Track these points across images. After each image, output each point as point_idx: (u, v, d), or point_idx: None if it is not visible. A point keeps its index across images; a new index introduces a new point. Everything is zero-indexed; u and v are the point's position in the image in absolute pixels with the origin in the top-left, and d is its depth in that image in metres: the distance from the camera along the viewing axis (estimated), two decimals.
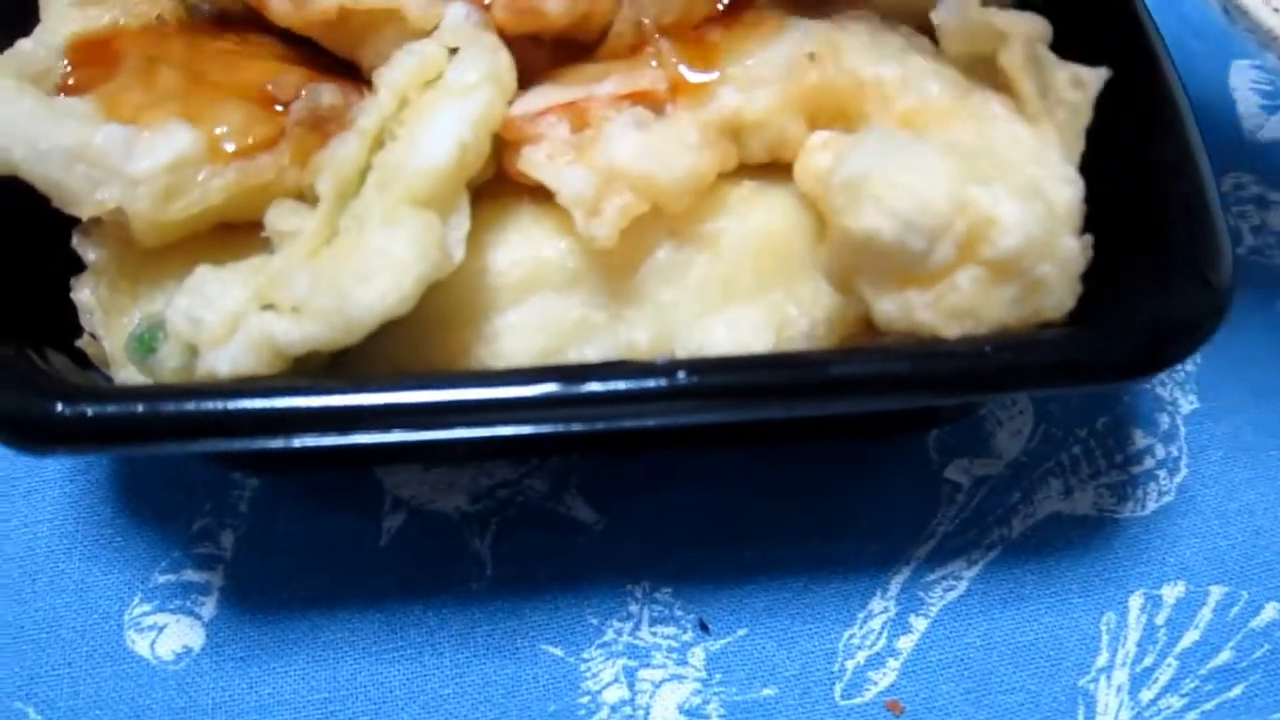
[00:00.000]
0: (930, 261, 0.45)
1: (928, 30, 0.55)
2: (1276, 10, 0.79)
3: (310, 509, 0.61)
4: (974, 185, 0.45)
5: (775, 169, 0.54)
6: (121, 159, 0.48)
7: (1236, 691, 0.56)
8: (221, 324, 0.46)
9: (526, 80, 0.55)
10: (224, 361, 0.45)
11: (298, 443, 0.44)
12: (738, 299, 0.52)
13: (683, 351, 0.51)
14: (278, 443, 0.44)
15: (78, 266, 0.52)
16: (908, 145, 0.45)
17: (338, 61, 0.59)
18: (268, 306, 0.46)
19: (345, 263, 0.45)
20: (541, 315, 0.51)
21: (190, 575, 0.59)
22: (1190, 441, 0.63)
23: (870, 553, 0.59)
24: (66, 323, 0.52)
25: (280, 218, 0.48)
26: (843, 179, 0.45)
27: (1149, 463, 0.63)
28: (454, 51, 0.52)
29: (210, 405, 0.43)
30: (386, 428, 0.44)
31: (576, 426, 0.45)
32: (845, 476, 0.61)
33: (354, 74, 0.58)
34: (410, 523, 0.60)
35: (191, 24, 0.60)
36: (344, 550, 0.60)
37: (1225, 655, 0.57)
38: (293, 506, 0.61)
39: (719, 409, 0.46)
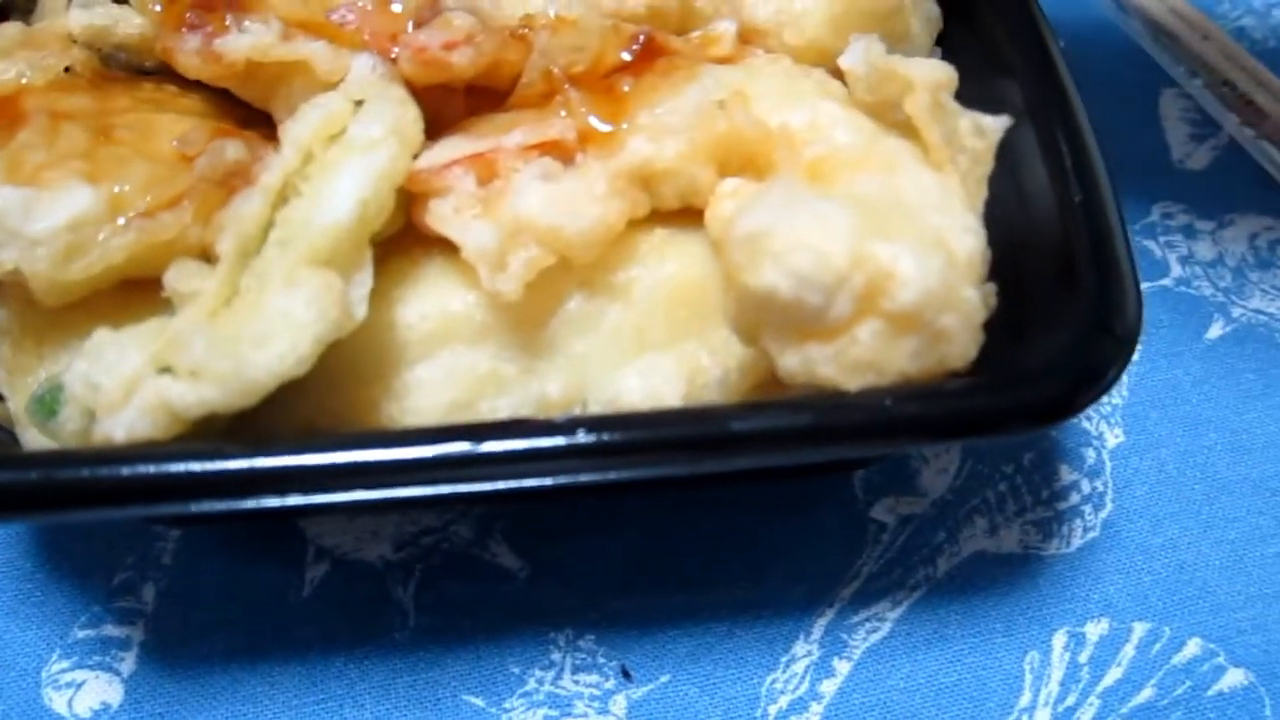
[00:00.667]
0: (829, 316, 0.45)
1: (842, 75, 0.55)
2: (1206, 38, 0.80)
3: (233, 560, 0.60)
4: (874, 239, 0.45)
5: (687, 215, 0.54)
6: (19, 220, 0.48)
7: None
8: (118, 389, 0.45)
9: (441, 131, 0.55)
10: (119, 427, 0.45)
11: (192, 509, 0.43)
12: (650, 348, 0.52)
13: (596, 403, 0.52)
14: (169, 509, 0.43)
15: None
16: (808, 201, 0.45)
17: (257, 113, 0.59)
18: (165, 370, 0.45)
19: (243, 325, 0.45)
20: (451, 369, 0.51)
21: (110, 630, 0.59)
22: (1115, 476, 0.63)
23: (795, 595, 0.59)
24: None
25: (180, 278, 0.47)
26: (742, 235, 0.45)
27: (1074, 498, 0.63)
28: (359, 104, 0.52)
29: (100, 472, 0.42)
30: (279, 493, 0.43)
31: (475, 488, 0.45)
32: (771, 519, 0.61)
33: (271, 126, 0.58)
34: (333, 573, 0.60)
35: (106, 75, 0.60)
36: (266, 602, 0.59)
37: (1147, 693, 0.57)
38: (215, 558, 0.60)
39: (620, 467, 0.45)
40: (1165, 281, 0.71)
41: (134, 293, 0.52)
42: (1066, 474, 0.64)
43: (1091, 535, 0.62)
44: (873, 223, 0.46)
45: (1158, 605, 0.59)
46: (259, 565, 0.60)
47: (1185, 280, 0.71)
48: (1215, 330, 0.69)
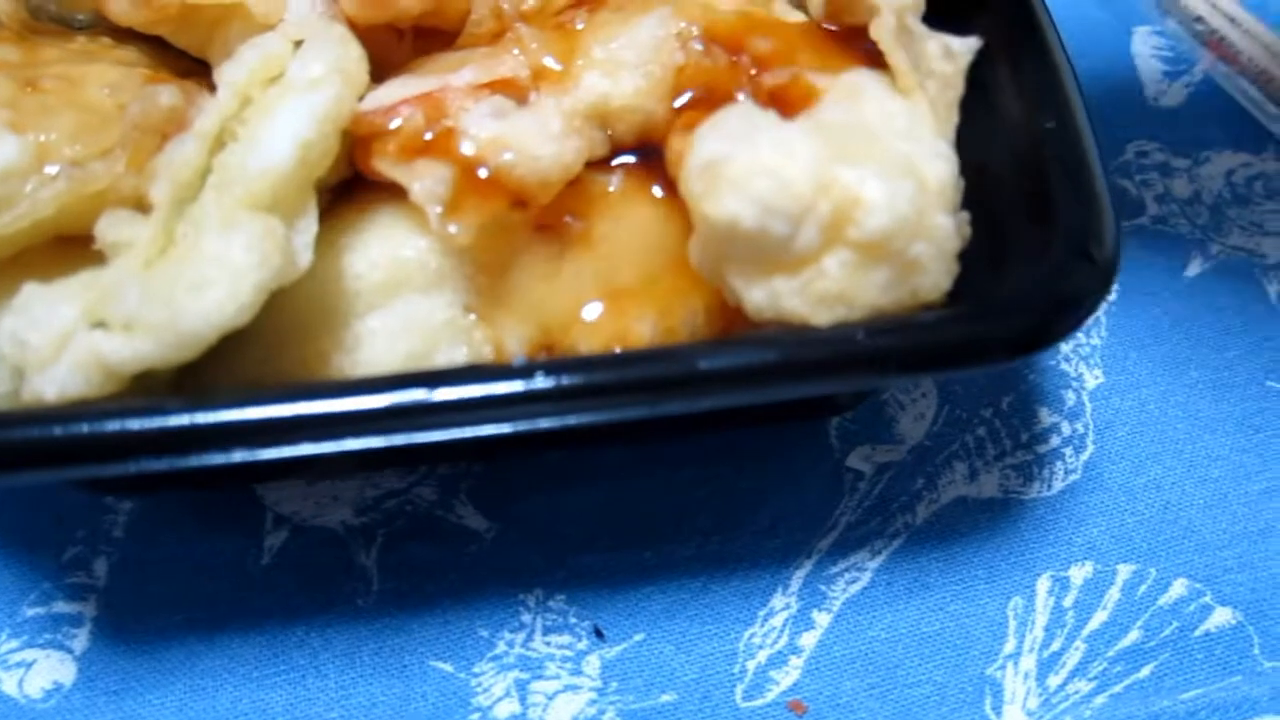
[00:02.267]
0: (795, 247, 0.43)
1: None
2: None
3: (189, 531, 0.58)
4: (839, 165, 0.43)
5: (645, 153, 0.52)
6: None
7: (1145, 672, 0.55)
8: (49, 345, 0.43)
9: (385, 74, 0.52)
10: (50, 384, 0.42)
11: (131, 469, 0.41)
12: (614, 294, 0.50)
13: (558, 352, 0.49)
14: (106, 469, 0.41)
15: None
16: (768, 126, 0.43)
17: (194, 65, 0.56)
18: (98, 324, 0.43)
19: (179, 273, 0.43)
20: (405, 319, 0.49)
21: (61, 607, 0.56)
22: (1096, 417, 0.62)
23: (771, 548, 0.57)
24: None
25: (112, 227, 0.45)
26: (699, 163, 0.43)
27: (1055, 441, 0.61)
28: (299, 44, 0.49)
29: (29, 433, 0.40)
30: (222, 448, 0.41)
31: (430, 437, 0.42)
32: (744, 470, 0.59)
33: (210, 77, 0.56)
34: (293, 540, 0.58)
35: (35, 26, 0.57)
36: (224, 572, 0.57)
37: (1134, 635, 0.56)
38: (170, 529, 0.58)
39: (580, 410, 0.43)
40: (1142, 220, 0.69)
41: (68, 249, 0.49)
42: (1046, 417, 0.62)
43: (1073, 478, 0.60)
44: (837, 148, 0.44)
45: (1142, 546, 0.58)
46: (215, 535, 0.58)
47: (1162, 219, 0.69)
48: (1194, 268, 0.67)
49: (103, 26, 0.58)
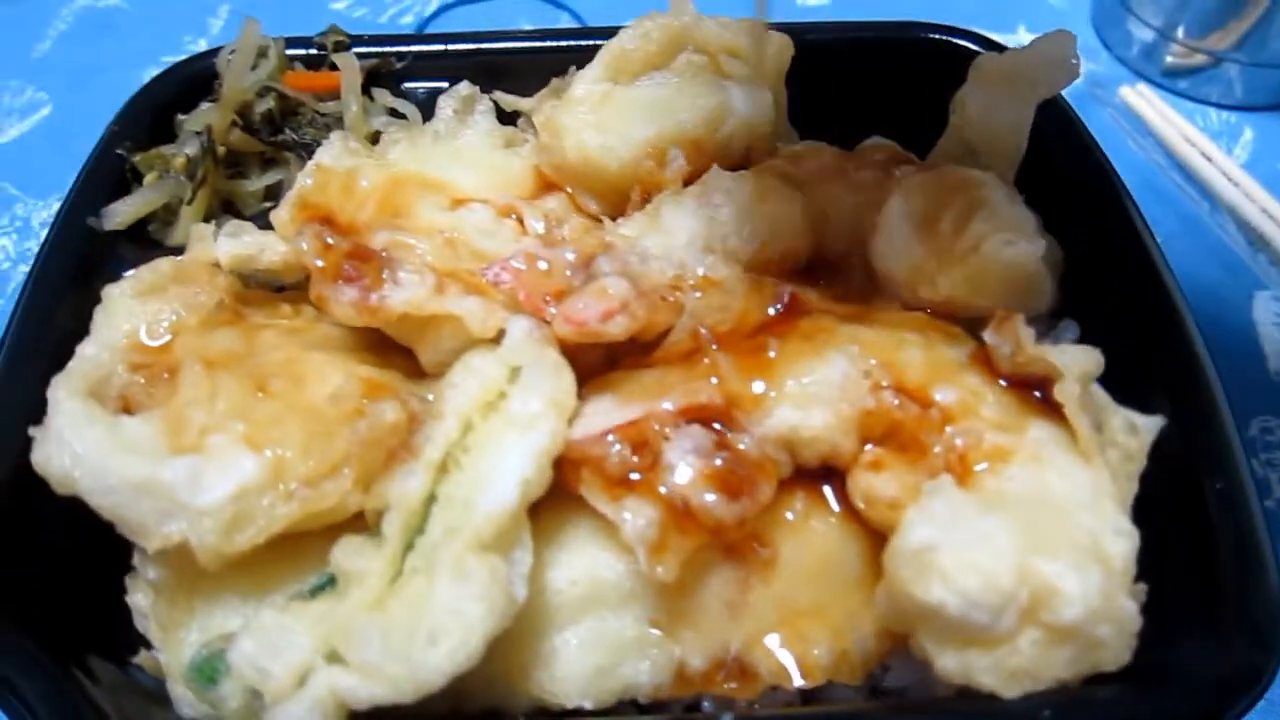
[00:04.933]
0: (993, 631, 0.46)
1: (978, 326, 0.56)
2: None
3: None
4: (1037, 557, 0.46)
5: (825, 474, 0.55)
6: (188, 493, 0.48)
7: None
8: (289, 677, 0.46)
9: (583, 377, 0.56)
10: None
11: None
12: (793, 616, 0.53)
13: (736, 672, 0.52)
14: None
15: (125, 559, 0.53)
16: (973, 517, 0.46)
17: (390, 340, 0.60)
18: (333, 656, 0.46)
19: (414, 619, 0.46)
20: (598, 634, 0.52)
21: None
22: None
23: None
24: (113, 621, 0.53)
25: (346, 557, 0.48)
26: (908, 549, 0.46)
27: None
28: (515, 370, 0.53)
29: None
30: None
31: None
32: None
33: (408, 353, 0.59)
34: None
35: (245, 296, 0.61)
36: None
37: None
38: None
39: None
40: (1267, 503, 0.71)
41: (284, 546, 0.52)
42: None
43: None
44: (1033, 537, 0.46)
45: None
46: None
47: None
48: None
49: (303, 290, 0.62)
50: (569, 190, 0.65)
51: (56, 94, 0.98)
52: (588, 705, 0.51)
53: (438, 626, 0.46)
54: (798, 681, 0.52)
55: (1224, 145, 0.92)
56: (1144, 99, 0.94)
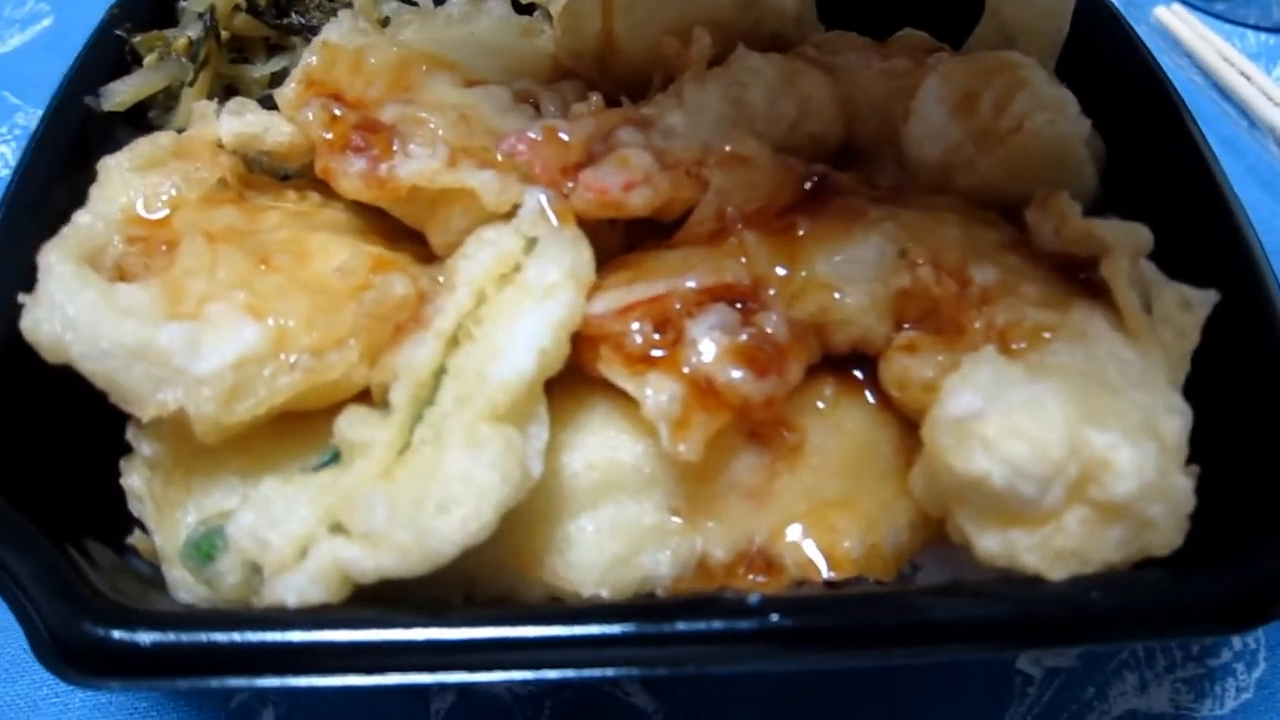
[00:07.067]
0: (1040, 506, 0.43)
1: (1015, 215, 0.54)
2: None
3: (357, 691, 0.58)
4: (1089, 427, 0.43)
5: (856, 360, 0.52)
6: (185, 359, 0.46)
7: None
8: (290, 548, 0.43)
9: (600, 261, 0.53)
10: (291, 592, 0.43)
11: (381, 681, 0.41)
12: (822, 507, 0.50)
13: (760, 564, 0.49)
14: (361, 681, 0.41)
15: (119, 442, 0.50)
16: (1020, 384, 0.43)
17: (400, 224, 0.57)
18: (337, 528, 0.44)
19: (423, 488, 0.43)
20: (615, 521, 0.49)
21: None
22: (1268, 632, 0.61)
23: None
24: (107, 503, 0.50)
25: (351, 427, 0.45)
26: (950, 417, 0.43)
27: (1226, 655, 0.60)
28: (531, 241, 0.50)
29: (289, 639, 0.41)
30: (471, 668, 0.41)
31: (659, 671, 0.42)
32: (912, 669, 0.58)
33: (417, 238, 0.56)
34: (460, 704, 0.58)
35: (249, 180, 0.58)
36: None
37: None
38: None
39: (813, 657, 0.43)
40: None
41: (286, 425, 0.50)
42: None
43: (1245, 696, 0.59)
44: (1083, 406, 0.44)
45: None
46: (384, 696, 0.58)
47: None
48: None
49: (308, 178, 0.59)
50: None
51: (58, 5, 0.96)
52: (605, 594, 0.48)
53: (449, 494, 0.43)
54: (826, 574, 0.49)
55: (1263, 66, 0.88)
56: (1179, 18, 0.90)
